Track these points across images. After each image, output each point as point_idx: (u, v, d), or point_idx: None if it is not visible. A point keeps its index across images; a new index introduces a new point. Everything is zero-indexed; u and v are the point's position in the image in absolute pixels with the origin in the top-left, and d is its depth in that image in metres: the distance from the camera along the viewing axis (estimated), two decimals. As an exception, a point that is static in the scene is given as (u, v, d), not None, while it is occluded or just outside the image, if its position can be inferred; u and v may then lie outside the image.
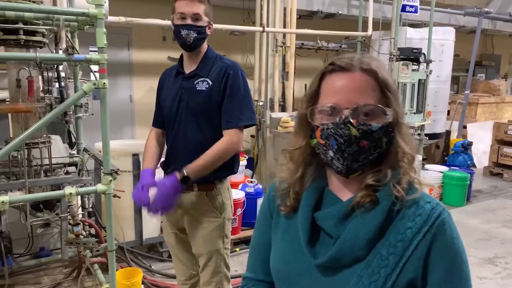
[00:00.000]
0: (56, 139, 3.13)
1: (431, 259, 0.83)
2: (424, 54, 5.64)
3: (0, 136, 2.68)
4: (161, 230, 2.93)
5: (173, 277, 2.75)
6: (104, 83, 2.15)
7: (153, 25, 4.22)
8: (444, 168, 5.45)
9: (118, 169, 2.35)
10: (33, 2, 2.34)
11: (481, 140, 7.13)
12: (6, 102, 2.74)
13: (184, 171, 1.74)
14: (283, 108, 5.49)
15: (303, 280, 0.90)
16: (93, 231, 3.02)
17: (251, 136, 5.94)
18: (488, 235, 4.29)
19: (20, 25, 2.33)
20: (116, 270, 2.54)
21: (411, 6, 5.79)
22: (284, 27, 5.28)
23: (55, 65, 2.79)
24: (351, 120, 0.82)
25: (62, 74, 2.86)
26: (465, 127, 7.35)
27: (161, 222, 2.27)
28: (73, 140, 3.08)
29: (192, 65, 1.91)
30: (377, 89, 0.86)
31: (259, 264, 1.05)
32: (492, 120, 7.39)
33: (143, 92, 6.19)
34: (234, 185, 4.05)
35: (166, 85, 2.00)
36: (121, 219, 3.23)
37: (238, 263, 3.56)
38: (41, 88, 2.62)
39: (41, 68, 2.57)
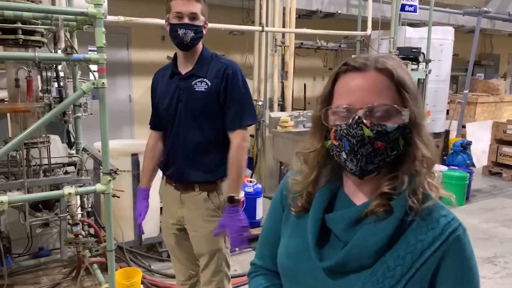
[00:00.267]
0: (55, 139, 3.12)
1: (440, 276, 0.81)
2: (423, 54, 5.65)
3: (-1, 136, 2.68)
4: (161, 230, 2.93)
5: (173, 277, 2.75)
6: (103, 82, 2.14)
7: (152, 24, 4.21)
8: (443, 168, 5.45)
9: (117, 169, 2.35)
10: (32, 1, 2.34)
11: (480, 140, 7.14)
12: (5, 102, 2.73)
13: (226, 196, 1.86)
14: (282, 108, 5.49)
15: (307, 280, 0.89)
16: (92, 231, 3.01)
17: (250, 135, 5.94)
18: (487, 235, 4.30)
19: (19, 24, 2.33)
20: (116, 270, 2.54)
21: (410, 6, 5.80)
22: (283, 26, 5.28)
23: (54, 65, 2.79)
24: (364, 120, 0.80)
25: (61, 74, 2.85)
26: (464, 126, 7.35)
27: (160, 222, 2.27)
28: (72, 140, 3.07)
29: (188, 65, 1.89)
30: (393, 88, 0.83)
31: (268, 254, 1.04)
32: (491, 120, 7.40)
33: (142, 91, 6.18)
34: (234, 185, 4.05)
35: (160, 86, 1.97)
36: (120, 219, 3.23)
37: (238, 262, 3.56)
38: (40, 88, 2.62)
39: (40, 67, 2.56)
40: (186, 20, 1.78)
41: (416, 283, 0.80)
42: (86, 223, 2.93)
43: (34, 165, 2.54)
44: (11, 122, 2.57)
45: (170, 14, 1.81)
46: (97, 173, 3.12)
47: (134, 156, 3.36)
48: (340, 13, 6.73)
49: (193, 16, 1.79)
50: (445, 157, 6.67)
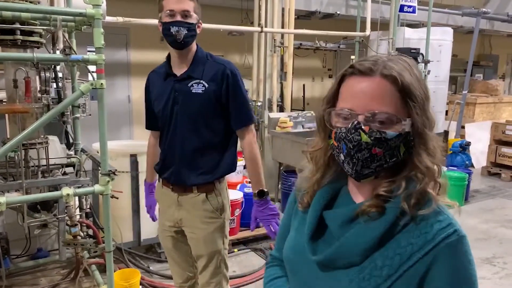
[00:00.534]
0: (53, 140, 3.11)
1: (428, 281, 0.80)
2: (422, 54, 5.65)
3: (-3, 137, 2.67)
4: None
5: (171, 277, 2.75)
6: (101, 83, 2.13)
7: (151, 25, 4.19)
8: (442, 168, 5.44)
9: (116, 169, 2.34)
10: (30, 2, 2.33)
11: (479, 140, 7.14)
12: (3, 103, 2.73)
13: (256, 189, 1.91)
14: (281, 109, 5.49)
15: (303, 272, 0.92)
16: (91, 232, 3.00)
17: (250, 136, 5.93)
18: (487, 235, 4.30)
19: (17, 25, 2.32)
20: (114, 271, 2.53)
21: (409, 6, 5.80)
22: (282, 27, 5.28)
23: (53, 66, 2.78)
24: (363, 127, 0.81)
25: (60, 75, 2.85)
26: (463, 127, 7.36)
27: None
28: (71, 140, 3.07)
29: (183, 66, 1.86)
30: (397, 96, 0.82)
31: (283, 247, 1.07)
32: (490, 120, 7.40)
33: (141, 92, 6.10)
34: (232, 186, 4.05)
35: (154, 88, 1.95)
36: (119, 220, 3.22)
37: (237, 263, 3.56)
38: (38, 89, 2.61)
39: (38, 68, 2.56)
40: (178, 18, 1.76)
41: (403, 285, 0.80)
42: (84, 224, 2.92)
43: (32, 166, 2.53)
44: (9, 123, 2.56)
45: (163, 12, 1.79)
46: (95, 174, 3.11)
47: (133, 157, 3.35)
48: (339, 14, 6.73)
49: (186, 14, 1.77)
50: (444, 158, 6.67)
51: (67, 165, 2.82)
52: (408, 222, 0.81)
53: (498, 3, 8.97)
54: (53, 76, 2.79)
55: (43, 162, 2.59)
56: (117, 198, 2.55)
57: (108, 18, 3.62)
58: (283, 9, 5.29)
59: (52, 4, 2.59)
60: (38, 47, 2.54)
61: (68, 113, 2.85)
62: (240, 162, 4.68)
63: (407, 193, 0.81)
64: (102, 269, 2.85)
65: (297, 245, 0.95)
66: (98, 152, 2.91)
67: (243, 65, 6.51)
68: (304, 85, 7.72)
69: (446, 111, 7.43)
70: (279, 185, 4.95)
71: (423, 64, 5.67)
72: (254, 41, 5.32)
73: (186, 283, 2.10)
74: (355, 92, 0.84)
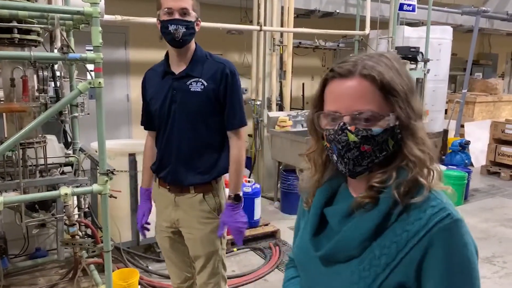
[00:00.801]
0: (51, 139, 3.10)
1: (425, 266, 0.81)
2: (421, 53, 5.64)
3: (-5, 136, 2.65)
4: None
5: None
6: (99, 82, 2.12)
7: (150, 23, 4.18)
8: (441, 167, 5.43)
9: (114, 169, 2.33)
10: (28, 0, 2.32)
11: (478, 139, 7.14)
12: (1, 102, 2.71)
13: (233, 193, 1.89)
14: (280, 107, 5.48)
15: (309, 268, 0.97)
16: (89, 231, 2.99)
17: (249, 135, 5.92)
18: (486, 234, 4.29)
19: (14, 23, 2.30)
20: (113, 271, 2.52)
21: (409, 5, 5.79)
22: (282, 26, 5.27)
23: (51, 64, 2.77)
24: (348, 127, 0.84)
25: (58, 73, 2.83)
26: (462, 126, 7.35)
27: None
28: (69, 139, 3.05)
29: (181, 64, 1.84)
30: (378, 93, 0.84)
31: None
32: (489, 119, 7.39)
33: (140, 91, 6.14)
34: (232, 185, 4.03)
35: (151, 86, 1.93)
36: (118, 219, 3.21)
37: (236, 263, 3.55)
38: (36, 88, 2.60)
39: (36, 67, 2.55)
40: (176, 16, 1.74)
41: (401, 272, 0.81)
42: (83, 224, 2.91)
43: (30, 165, 2.52)
44: (6, 122, 2.54)
45: (161, 10, 1.77)
46: (94, 173, 3.10)
47: (132, 156, 3.34)
48: (338, 13, 6.72)
49: (184, 12, 1.75)
50: (443, 157, 6.67)
51: (65, 165, 2.81)
52: (402, 211, 0.83)
53: (497, 2, 8.96)
54: (51, 75, 2.78)
55: (41, 161, 2.58)
56: (115, 197, 2.54)
57: (107, 17, 3.61)
58: (282, 8, 5.28)
59: (49, 2, 2.57)
60: (35, 46, 2.52)
61: (66, 112, 2.84)
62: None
63: (398, 182, 0.84)
64: (101, 268, 2.84)
65: (303, 243, 0.99)
66: (96, 152, 2.90)
67: (242, 64, 6.50)
68: (303, 84, 7.71)
69: (446, 110, 7.43)
70: (279, 184, 4.94)
71: (422, 63, 5.66)
72: (253, 40, 5.31)
73: (184, 283, 2.08)
74: (338, 95, 0.87)
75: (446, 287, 0.80)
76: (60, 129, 3.03)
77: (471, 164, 6.80)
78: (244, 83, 6.45)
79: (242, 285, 3.20)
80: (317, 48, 6.46)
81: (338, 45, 6.82)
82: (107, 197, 2.28)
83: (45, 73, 2.65)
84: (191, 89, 1.81)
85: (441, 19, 7.89)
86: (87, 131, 3.40)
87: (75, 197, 2.90)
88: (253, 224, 4.03)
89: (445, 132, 7.03)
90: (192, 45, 1.86)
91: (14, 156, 2.43)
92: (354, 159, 0.85)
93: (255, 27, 5.01)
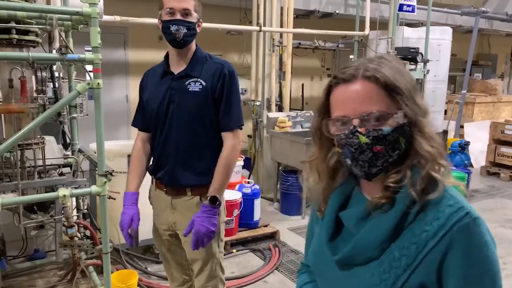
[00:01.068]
0: (50, 140, 3.09)
1: (446, 266, 0.81)
2: (421, 54, 5.63)
3: (-7, 137, 2.64)
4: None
5: (169, 279, 2.73)
6: (98, 83, 2.11)
7: (149, 24, 4.18)
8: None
9: (113, 170, 2.32)
10: (26, 0, 2.31)
11: (478, 140, 7.14)
12: (-1, 103, 2.70)
13: (212, 194, 1.77)
14: (280, 108, 5.47)
15: (326, 273, 0.97)
16: (88, 233, 2.98)
17: (248, 136, 5.91)
18: (486, 235, 4.28)
19: (13, 24, 2.29)
20: (112, 273, 2.51)
21: (408, 6, 5.79)
22: (281, 26, 5.26)
23: (49, 65, 2.76)
24: (358, 129, 0.85)
25: (57, 74, 2.82)
26: (462, 126, 7.35)
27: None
28: (68, 140, 3.04)
29: (181, 64, 1.84)
30: (382, 93, 0.85)
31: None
32: (489, 120, 7.39)
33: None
34: (231, 186, 4.02)
35: (150, 86, 1.92)
36: (116, 221, 3.14)
37: (235, 264, 3.54)
38: (34, 88, 2.58)
39: (34, 68, 2.53)
40: (178, 16, 1.74)
41: (422, 272, 0.81)
42: (81, 225, 2.90)
43: (28, 167, 2.51)
44: (5, 123, 2.53)
45: (163, 10, 1.77)
46: (93, 174, 3.08)
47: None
48: (338, 13, 6.71)
49: (186, 12, 1.74)
50: (443, 142, 6.67)
51: (64, 166, 2.80)
52: (420, 210, 0.83)
53: (497, 3, 8.96)
54: (50, 75, 2.77)
55: (40, 162, 2.57)
56: (114, 199, 2.52)
57: (106, 17, 3.60)
58: (281, 8, 5.28)
59: (48, 2, 2.56)
60: (34, 47, 2.51)
61: (65, 113, 2.82)
62: (239, 162, 4.67)
63: (413, 181, 0.83)
64: (100, 270, 2.83)
65: (318, 248, 1.00)
66: (95, 153, 2.89)
67: (242, 64, 6.49)
68: (303, 85, 7.70)
69: (445, 111, 7.42)
70: (278, 185, 4.93)
71: (422, 64, 5.65)
72: (253, 41, 5.31)
73: (182, 286, 2.07)
74: (344, 99, 0.88)
75: (467, 286, 0.80)
76: (59, 130, 3.02)
77: (471, 165, 6.79)
78: (243, 83, 6.45)
79: (242, 287, 3.18)
80: (316, 48, 6.46)
81: (337, 46, 6.82)
82: (105, 199, 2.27)
83: (44, 74, 2.64)
84: (189, 89, 1.80)
85: (441, 19, 7.89)
86: (86, 132, 3.39)
87: (73, 199, 2.89)
88: (252, 225, 4.02)
89: (445, 132, 7.01)
90: (193, 45, 1.86)
91: (12, 157, 2.41)
92: (369, 161, 0.86)
93: (254, 27, 5.01)
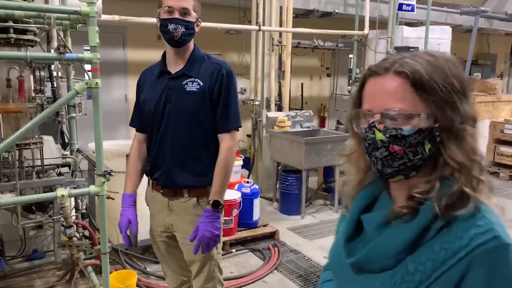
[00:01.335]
0: (48, 140, 3.08)
1: (464, 287, 0.75)
2: (420, 53, 5.62)
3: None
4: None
5: (168, 279, 2.72)
6: (96, 82, 2.10)
7: (148, 23, 4.17)
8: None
9: (112, 170, 2.31)
10: (24, 0, 2.30)
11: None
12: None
13: (213, 198, 1.77)
14: (279, 108, 5.47)
15: (341, 274, 0.94)
16: (86, 233, 2.97)
17: (247, 135, 5.91)
18: (485, 235, 4.28)
19: (11, 23, 2.29)
20: (110, 273, 2.50)
21: (408, 5, 5.78)
22: (280, 26, 5.25)
23: (47, 65, 2.75)
24: (377, 125, 0.81)
25: (55, 74, 2.81)
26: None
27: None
28: (66, 140, 3.03)
29: (178, 64, 1.82)
30: (411, 91, 0.79)
31: None
32: (488, 119, 7.39)
33: (138, 91, 6.12)
34: (230, 185, 4.01)
35: (147, 86, 1.90)
36: (115, 221, 3.14)
37: (234, 264, 3.53)
38: (32, 88, 2.58)
39: (32, 67, 2.53)
40: (176, 15, 1.72)
41: None
42: (80, 225, 2.89)
43: (26, 167, 2.50)
44: (3, 123, 2.52)
45: (161, 9, 1.75)
46: (91, 174, 3.07)
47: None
48: (337, 12, 6.71)
49: (185, 11, 1.73)
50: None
51: (63, 166, 2.79)
52: (444, 225, 0.77)
53: (496, 2, 8.96)
54: (48, 75, 2.76)
55: (38, 162, 2.56)
56: (113, 199, 2.51)
57: (104, 17, 3.59)
58: (281, 8, 5.27)
59: (46, 1, 2.55)
60: (32, 46, 2.50)
61: (64, 112, 2.82)
62: (238, 162, 4.67)
63: (440, 194, 0.77)
64: (98, 270, 2.82)
65: (337, 248, 0.97)
66: (94, 152, 2.88)
67: (241, 64, 6.48)
68: (302, 84, 7.69)
69: (445, 110, 7.39)
70: (277, 185, 4.92)
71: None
72: (252, 40, 5.30)
73: (181, 287, 2.06)
74: (372, 93, 0.85)
75: None
76: (57, 129, 3.01)
77: (470, 164, 6.77)
78: (243, 83, 6.45)
79: (241, 286, 3.18)
80: (316, 48, 6.44)
81: (337, 45, 6.80)
82: (104, 199, 2.26)
83: (42, 73, 2.63)
84: (186, 89, 1.78)
85: (440, 19, 7.88)
86: (84, 131, 3.38)
87: (72, 198, 2.88)
88: (252, 225, 4.02)
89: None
90: (191, 45, 1.84)
91: (10, 157, 2.41)
92: (383, 159, 0.82)
93: (253, 27, 5.00)
